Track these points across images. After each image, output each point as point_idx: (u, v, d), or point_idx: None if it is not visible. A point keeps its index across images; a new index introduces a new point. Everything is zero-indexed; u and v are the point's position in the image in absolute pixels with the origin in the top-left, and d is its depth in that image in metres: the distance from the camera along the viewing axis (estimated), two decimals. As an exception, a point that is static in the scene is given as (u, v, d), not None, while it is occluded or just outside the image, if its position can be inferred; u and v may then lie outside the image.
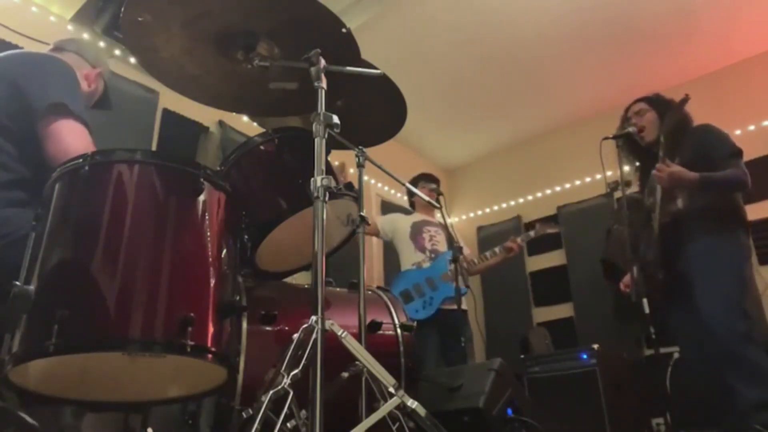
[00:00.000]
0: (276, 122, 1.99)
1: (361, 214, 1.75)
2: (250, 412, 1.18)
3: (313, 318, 1.20)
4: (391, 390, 1.25)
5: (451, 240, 3.15)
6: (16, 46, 2.91)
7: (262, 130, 1.84)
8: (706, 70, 4.63)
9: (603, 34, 4.16)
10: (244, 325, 1.55)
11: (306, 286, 1.93)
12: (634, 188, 2.86)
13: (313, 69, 1.46)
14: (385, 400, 1.25)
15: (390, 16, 3.89)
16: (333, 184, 1.33)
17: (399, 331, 1.88)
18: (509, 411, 2.08)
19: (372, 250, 4.51)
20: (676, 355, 3.03)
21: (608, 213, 4.27)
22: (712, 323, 2.32)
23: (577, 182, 5.12)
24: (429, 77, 4.55)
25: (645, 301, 2.34)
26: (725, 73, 4.58)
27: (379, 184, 5.14)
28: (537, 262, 5.18)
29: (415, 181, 3.57)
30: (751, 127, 4.28)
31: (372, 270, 4.48)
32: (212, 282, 1.26)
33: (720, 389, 2.31)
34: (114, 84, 2.09)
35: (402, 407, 1.25)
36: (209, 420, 1.55)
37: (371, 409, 1.29)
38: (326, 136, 1.39)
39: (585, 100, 4.95)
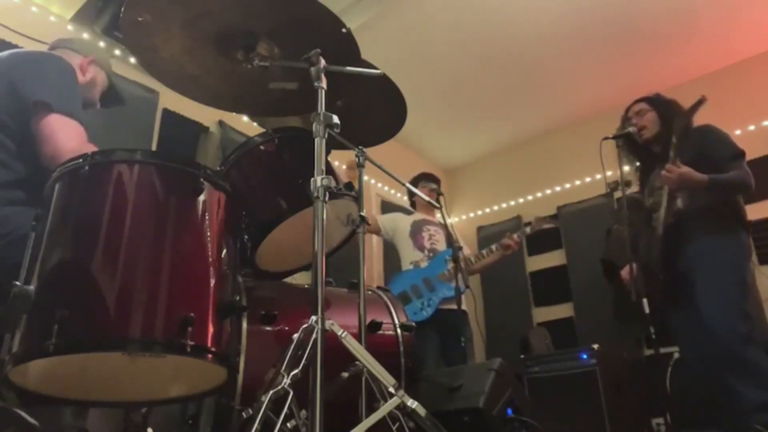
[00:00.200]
0: (276, 122, 1.99)
1: (361, 214, 1.75)
2: (250, 412, 1.18)
3: (313, 318, 1.20)
4: (391, 390, 1.25)
5: (450, 239, 3.15)
6: (16, 46, 2.91)
7: (262, 130, 1.84)
8: (706, 70, 4.62)
9: (603, 34, 4.16)
10: (244, 325, 1.54)
11: (306, 286, 1.93)
12: (634, 188, 2.86)
13: (313, 69, 1.46)
14: (385, 400, 1.25)
15: (390, 16, 3.89)
16: (333, 184, 1.33)
17: (399, 331, 1.88)
18: (509, 411, 2.08)
19: (372, 250, 4.51)
20: (676, 355, 3.03)
21: (608, 213, 4.26)
22: (712, 323, 2.32)
23: (577, 182, 5.12)
24: (429, 77, 4.55)
25: (645, 301, 2.34)
26: (725, 73, 4.58)
27: (379, 184, 5.14)
28: (537, 262, 5.18)
29: (415, 181, 3.57)
30: (751, 127, 4.28)
31: (372, 270, 4.48)
32: (212, 282, 1.26)
33: (720, 389, 2.31)
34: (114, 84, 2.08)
35: (402, 407, 1.24)
36: (209, 420, 1.55)
37: (371, 409, 1.29)
38: (326, 136, 1.39)
39: (585, 100, 4.95)
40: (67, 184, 1.26)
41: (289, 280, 1.97)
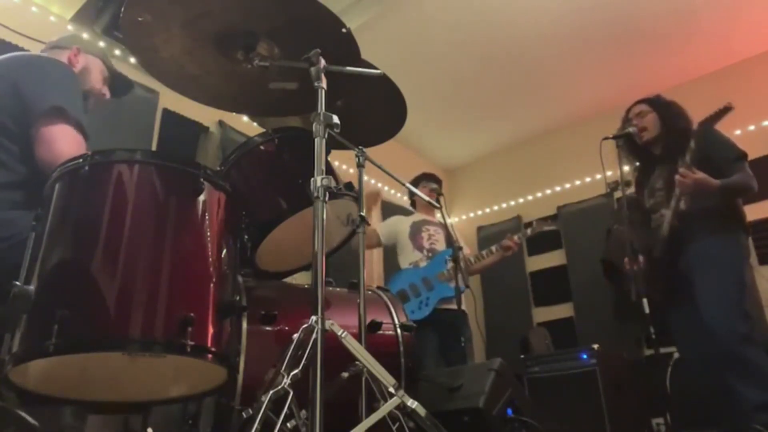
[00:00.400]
0: (276, 122, 1.99)
1: (361, 214, 1.75)
2: (250, 412, 1.18)
3: (313, 318, 1.20)
4: (391, 390, 1.25)
5: (449, 239, 3.15)
6: (16, 46, 2.91)
7: (262, 130, 1.84)
8: (706, 70, 4.63)
9: (603, 34, 4.16)
10: (244, 325, 1.54)
11: (306, 286, 1.93)
12: (634, 188, 2.86)
13: (313, 69, 1.46)
14: (385, 400, 1.25)
15: (390, 16, 3.89)
16: (333, 184, 1.33)
17: (399, 331, 1.88)
18: (509, 411, 2.08)
19: (372, 250, 4.50)
20: (676, 355, 3.03)
21: (608, 213, 4.27)
22: (712, 323, 2.33)
23: (577, 182, 5.12)
24: (429, 77, 4.55)
25: (645, 301, 2.34)
26: (725, 73, 4.58)
27: (379, 184, 5.14)
28: (537, 262, 5.18)
29: (416, 181, 3.57)
30: (751, 127, 4.28)
31: (372, 270, 4.48)
32: (212, 282, 1.26)
33: (720, 389, 2.31)
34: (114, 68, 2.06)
35: (402, 407, 1.24)
36: (209, 420, 1.55)
37: (371, 409, 1.28)
38: (326, 136, 1.39)
39: (585, 100, 4.95)
40: (67, 184, 1.26)
41: (289, 280, 1.96)
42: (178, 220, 1.26)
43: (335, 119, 1.40)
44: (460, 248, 3.10)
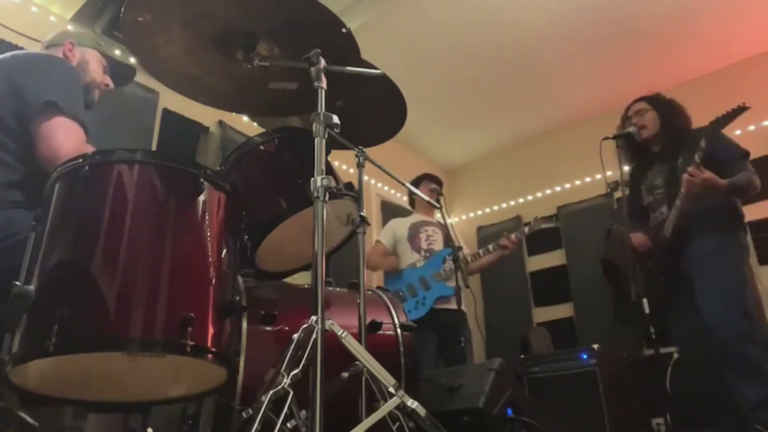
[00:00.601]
0: (276, 122, 1.99)
1: (362, 214, 1.75)
2: (250, 412, 1.18)
3: (313, 318, 1.20)
4: (391, 390, 1.25)
5: (448, 239, 3.14)
6: (16, 46, 2.91)
7: (262, 130, 1.84)
8: (705, 70, 4.62)
9: (603, 34, 4.16)
10: (244, 325, 1.54)
11: (306, 286, 1.93)
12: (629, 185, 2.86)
13: (313, 69, 1.46)
14: (385, 400, 1.25)
15: (390, 17, 3.89)
16: (333, 184, 1.33)
17: (399, 331, 1.88)
18: (509, 411, 2.08)
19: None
20: (676, 355, 3.03)
21: (608, 213, 4.27)
22: (712, 323, 2.33)
23: (577, 182, 5.12)
24: (429, 77, 4.55)
25: (645, 301, 2.34)
26: (725, 73, 4.58)
27: (379, 184, 5.14)
28: (537, 262, 5.18)
29: (417, 181, 3.57)
30: (751, 127, 4.28)
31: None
32: (212, 282, 1.26)
33: (720, 389, 2.31)
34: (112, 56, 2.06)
35: (402, 407, 1.24)
36: (209, 420, 1.55)
37: (371, 409, 1.28)
38: (326, 136, 1.39)
39: (585, 100, 4.95)
40: (67, 184, 1.26)
41: (289, 280, 1.96)
42: (178, 220, 1.26)
43: (335, 119, 1.40)
44: (460, 248, 3.10)
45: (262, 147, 1.79)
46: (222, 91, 1.72)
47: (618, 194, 2.67)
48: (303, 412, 1.19)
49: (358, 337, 1.56)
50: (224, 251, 1.33)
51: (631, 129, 2.71)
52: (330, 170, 1.78)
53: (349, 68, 1.54)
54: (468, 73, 4.56)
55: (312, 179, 1.32)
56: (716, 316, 2.33)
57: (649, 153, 2.77)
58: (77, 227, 1.21)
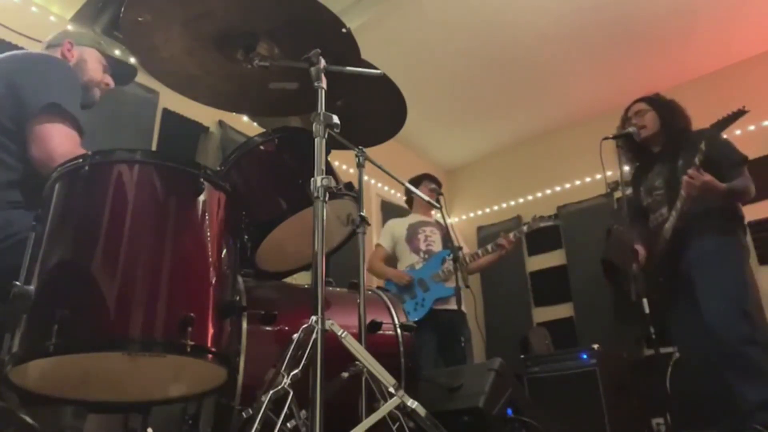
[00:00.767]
0: (276, 122, 1.99)
1: (362, 214, 1.75)
2: (250, 412, 1.18)
3: (313, 318, 1.20)
4: (391, 390, 1.25)
5: (447, 239, 3.14)
6: (16, 46, 2.91)
7: (262, 130, 1.84)
8: (705, 70, 4.63)
9: (603, 34, 4.16)
10: (244, 325, 1.54)
11: (306, 286, 1.93)
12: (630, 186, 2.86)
13: (313, 69, 1.46)
14: (385, 400, 1.25)
15: (390, 16, 3.89)
16: (333, 184, 1.33)
17: (399, 331, 1.88)
18: (509, 411, 2.08)
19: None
20: (676, 355, 3.03)
21: (608, 213, 4.27)
22: (713, 323, 2.33)
23: (577, 182, 5.12)
24: (429, 77, 4.55)
25: (645, 301, 2.34)
26: (725, 73, 4.58)
27: (379, 184, 5.14)
28: (537, 262, 5.18)
29: (417, 181, 3.56)
30: (751, 127, 4.28)
31: (372, 270, 4.47)
32: (212, 282, 1.26)
33: (720, 389, 2.31)
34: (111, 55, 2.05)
35: (402, 407, 1.24)
36: (209, 420, 1.55)
37: (371, 409, 1.28)
38: (326, 136, 1.39)
39: (585, 100, 4.95)
40: (67, 184, 1.26)
41: (289, 280, 1.97)
42: (178, 220, 1.26)
43: (335, 119, 1.40)
44: (460, 248, 3.10)
45: (262, 147, 1.79)
46: (222, 91, 1.72)
47: (618, 194, 2.67)
48: (303, 412, 1.19)
49: (358, 337, 1.56)
50: (224, 251, 1.33)
51: (631, 129, 2.71)
52: (330, 170, 1.78)
53: (349, 68, 1.54)
54: (468, 73, 4.56)
55: (312, 179, 1.32)
56: (716, 316, 2.33)
57: (649, 153, 2.77)
58: (77, 227, 1.21)
